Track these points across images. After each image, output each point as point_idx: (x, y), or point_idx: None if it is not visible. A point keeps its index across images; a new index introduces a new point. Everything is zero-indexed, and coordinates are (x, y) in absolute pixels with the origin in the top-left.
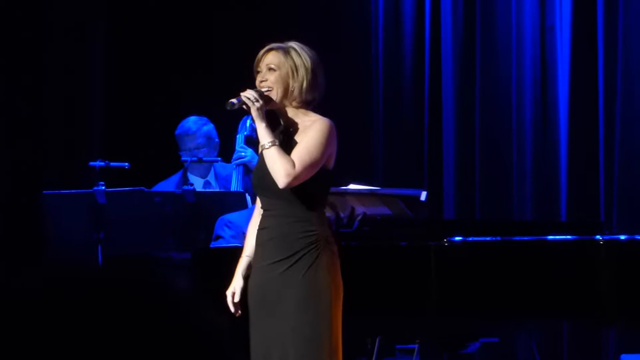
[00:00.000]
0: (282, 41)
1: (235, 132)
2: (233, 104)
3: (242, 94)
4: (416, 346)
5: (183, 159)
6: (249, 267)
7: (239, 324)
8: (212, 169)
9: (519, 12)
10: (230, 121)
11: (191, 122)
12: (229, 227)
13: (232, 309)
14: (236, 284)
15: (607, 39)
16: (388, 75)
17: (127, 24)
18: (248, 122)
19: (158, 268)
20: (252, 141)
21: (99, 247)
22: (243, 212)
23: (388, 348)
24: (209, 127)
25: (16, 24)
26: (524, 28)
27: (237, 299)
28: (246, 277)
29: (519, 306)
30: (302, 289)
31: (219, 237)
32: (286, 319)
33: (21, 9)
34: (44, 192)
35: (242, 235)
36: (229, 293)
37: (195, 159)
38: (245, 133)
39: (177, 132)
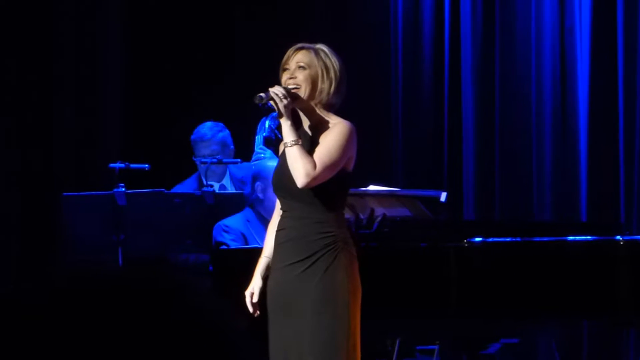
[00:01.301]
0: (309, 42)
1: (254, 133)
2: (261, 97)
3: (270, 89)
4: (436, 347)
5: (203, 160)
6: (268, 268)
7: (258, 325)
8: (227, 171)
9: (539, 13)
10: (249, 122)
11: (207, 128)
12: (227, 232)
13: (250, 309)
14: (255, 285)
15: (626, 39)
16: (407, 77)
17: (145, 25)
18: (267, 123)
19: (177, 269)
20: (271, 142)
21: (119, 249)
22: (238, 215)
23: (408, 349)
24: (225, 133)
25: (29, 27)
26: (543, 28)
27: (255, 299)
28: (265, 278)
29: (538, 307)
30: (320, 290)
31: (220, 243)
32: (304, 320)
33: (33, 12)
34: (64, 194)
35: (242, 237)
36: (247, 293)
37: (215, 160)
38: (264, 134)
39: (192, 137)
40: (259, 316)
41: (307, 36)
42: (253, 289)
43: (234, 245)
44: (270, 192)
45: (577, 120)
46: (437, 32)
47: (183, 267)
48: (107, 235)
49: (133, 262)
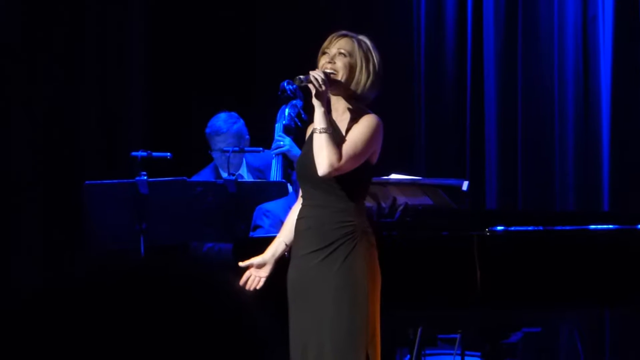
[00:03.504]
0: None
1: (273, 121)
2: (300, 79)
3: (311, 72)
4: (458, 336)
5: (225, 148)
6: (278, 250)
7: (278, 313)
8: (244, 161)
9: (561, 2)
10: (269, 110)
11: (221, 121)
12: (266, 217)
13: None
14: (259, 257)
15: None
16: (430, 66)
17: (168, 15)
18: (287, 111)
19: (199, 259)
20: (291, 130)
21: (142, 238)
22: (280, 201)
23: (430, 338)
24: (239, 124)
25: (56, 19)
26: (566, 18)
27: (243, 265)
28: (276, 260)
29: (561, 296)
30: (339, 279)
31: (257, 226)
32: (323, 309)
33: (61, 3)
34: (86, 182)
35: (280, 224)
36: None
37: (237, 149)
38: (283, 122)
39: (207, 130)
40: (278, 304)
41: (331, 27)
42: (255, 258)
43: (271, 230)
44: None
45: (600, 109)
46: (459, 22)
47: (207, 256)
48: (129, 223)
49: (155, 251)
